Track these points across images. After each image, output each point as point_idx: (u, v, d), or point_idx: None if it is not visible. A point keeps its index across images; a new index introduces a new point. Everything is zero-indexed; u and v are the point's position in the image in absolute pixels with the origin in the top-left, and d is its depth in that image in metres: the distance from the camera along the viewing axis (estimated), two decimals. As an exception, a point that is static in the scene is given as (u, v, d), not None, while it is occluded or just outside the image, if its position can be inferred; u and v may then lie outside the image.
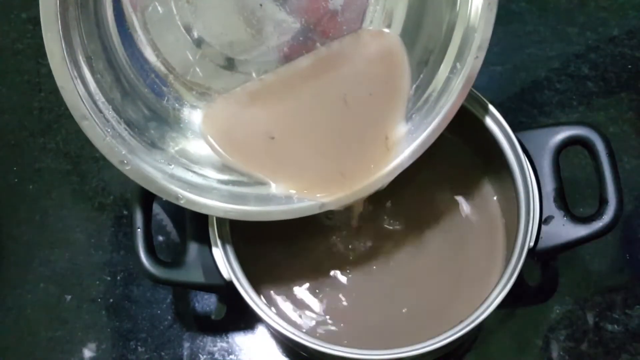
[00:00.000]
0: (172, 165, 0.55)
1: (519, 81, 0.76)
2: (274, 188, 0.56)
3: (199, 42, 0.55)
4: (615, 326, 0.65)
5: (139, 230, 0.58)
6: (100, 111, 0.51)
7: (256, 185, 0.57)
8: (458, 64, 0.56)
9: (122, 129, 0.52)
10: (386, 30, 0.57)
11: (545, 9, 0.79)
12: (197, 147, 0.57)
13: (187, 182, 0.55)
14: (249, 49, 0.56)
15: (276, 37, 0.55)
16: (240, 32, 0.55)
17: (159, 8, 0.53)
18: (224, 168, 0.57)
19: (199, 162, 0.57)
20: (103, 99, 0.51)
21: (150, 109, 0.55)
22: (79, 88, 0.49)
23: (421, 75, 0.58)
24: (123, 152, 0.51)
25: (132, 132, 0.53)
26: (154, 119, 0.55)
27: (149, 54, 0.54)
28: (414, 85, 0.58)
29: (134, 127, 0.53)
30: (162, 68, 0.55)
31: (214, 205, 0.55)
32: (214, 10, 0.54)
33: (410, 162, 0.57)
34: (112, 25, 0.52)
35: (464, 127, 0.61)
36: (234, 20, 0.54)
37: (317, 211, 0.56)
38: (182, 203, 0.54)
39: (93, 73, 0.50)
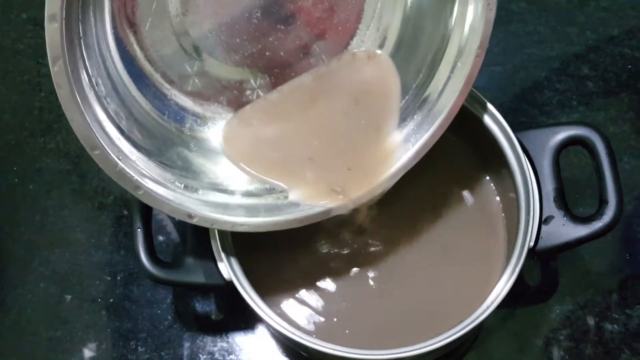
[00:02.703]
0: (182, 184, 0.55)
1: (519, 81, 0.76)
2: (291, 195, 0.57)
3: (178, 34, 0.54)
4: (615, 326, 0.65)
5: (139, 230, 0.59)
6: (110, 138, 0.50)
7: (267, 195, 0.58)
8: (459, 63, 0.56)
9: (130, 153, 0.52)
10: (378, 51, 0.59)
11: (546, 9, 0.79)
12: (203, 160, 0.57)
13: (198, 199, 0.55)
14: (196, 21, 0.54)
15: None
16: None
17: (155, 23, 0.53)
18: (234, 178, 0.58)
19: (206, 174, 0.57)
20: (111, 125, 0.51)
21: (154, 127, 0.55)
22: (89, 118, 0.48)
23: (420, 75, 0.58)
24: (135, 178, 0.51)
25: (140, 154, 0.53)
26: (159, 137, 0.55)
27: (149, 69, 0.54)
28: (414, 85, 0.59)
29: (141, 149, 0.53)
30: (162, 81, 0.55)
31: (227, 219, 0.55)
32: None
33: (415, 162, 0.58)
34: (113, 46, 0.51)
35: (464, 127, 0.61)
36: None
37: (326, 217, 0.57)
38: (194, 221, 0.54)
39: (99, 100, 0.50)
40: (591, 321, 0.66)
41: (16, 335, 0.67)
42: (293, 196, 0.57)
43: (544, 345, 0.65)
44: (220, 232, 0.58)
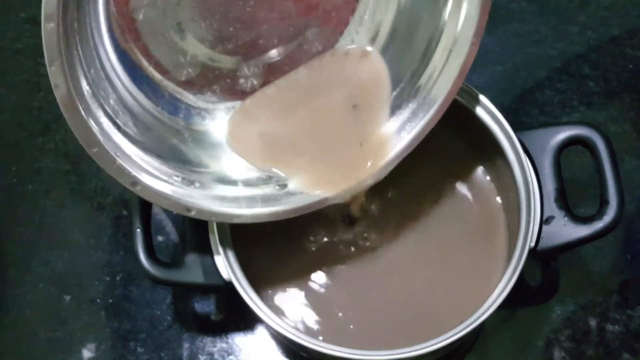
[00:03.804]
0: (179, 177, 0.55)
1: (520, 81, 0.76)
2: (291, 184, 0.58)
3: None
4: (617, 326, 0.65)
5: (138, 230, 0.58)
6: (107, 135, 0.50)
7: (263, 185, 0.58)
8: (454, 51, 0.56)
9: (127, 148, 0.52)
10: (369, 48, 0.60)
11: (546, 8, 0.79)
12: (198, 152, 0.57)
13: (195, 192, 0.55)
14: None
15: None
16: None
17: (149, 14, 0.52)
18: (230, 170, 0.57)
19: (202, 166, 0.57)
20: (108, 122, 0.50)
21: (149, 119, 0.55)
22: (86, 116, 0.48)
23: (415, 62, 0.59)
24: (133, 174, 0.51)
25: (136, 148, 0.52)
26: (154, 130, 0.55)
27: (142, 60, 0.54)
28: (409, 73, 0.59)
29: (137, 143, 0.53)
30: (156, 72, 0.55)
31: (225, 211, 0.55)
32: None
33: (409, 150, 0.58)
34: (106, 38, 0.51)
35: (465, 126, 0.61)
36: None
37: (322, 206, 0.57)
38: (192, 214, 0.54)
39: (96, 97, 0.49)
40: (592, 322, 0.65)
41: (15, 335, 0.67)
42: (293, 185, 0.58)
43: (544, 346, 0.65)
44: (219, 230, 0.58)
